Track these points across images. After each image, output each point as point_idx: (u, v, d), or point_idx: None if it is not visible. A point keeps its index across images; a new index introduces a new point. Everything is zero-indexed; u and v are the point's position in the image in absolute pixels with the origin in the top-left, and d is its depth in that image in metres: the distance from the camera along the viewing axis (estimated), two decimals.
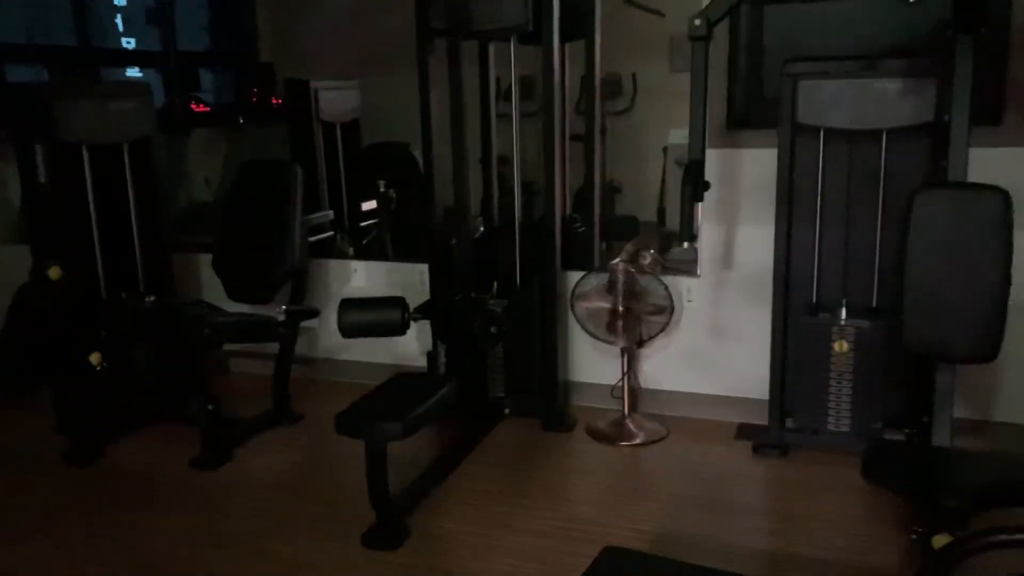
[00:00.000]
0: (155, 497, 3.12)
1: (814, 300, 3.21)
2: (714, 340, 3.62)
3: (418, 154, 3.99)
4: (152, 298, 3.51)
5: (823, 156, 3.12)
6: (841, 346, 3.16)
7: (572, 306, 3.59)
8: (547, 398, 3.64)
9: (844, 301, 3.15)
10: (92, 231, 3.50)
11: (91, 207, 3.49)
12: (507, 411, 3.71)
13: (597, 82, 4.14)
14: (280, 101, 5.99)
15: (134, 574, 2.64)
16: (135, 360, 3.56)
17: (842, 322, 3.14)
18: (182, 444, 3.41)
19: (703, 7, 2.74)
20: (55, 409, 3.43)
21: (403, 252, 4.61)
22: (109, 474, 3.31)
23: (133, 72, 6.87)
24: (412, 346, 3.99)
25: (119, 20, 7.60)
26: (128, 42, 7.73)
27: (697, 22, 2.68)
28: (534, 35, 3.37)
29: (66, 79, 5.33)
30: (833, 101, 3.05)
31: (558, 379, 3.65)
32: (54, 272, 3.12)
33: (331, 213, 4.73)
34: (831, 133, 3.09)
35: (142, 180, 3.67)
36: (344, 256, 4.57)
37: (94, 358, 3.16)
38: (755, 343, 3.40)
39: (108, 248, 3.56)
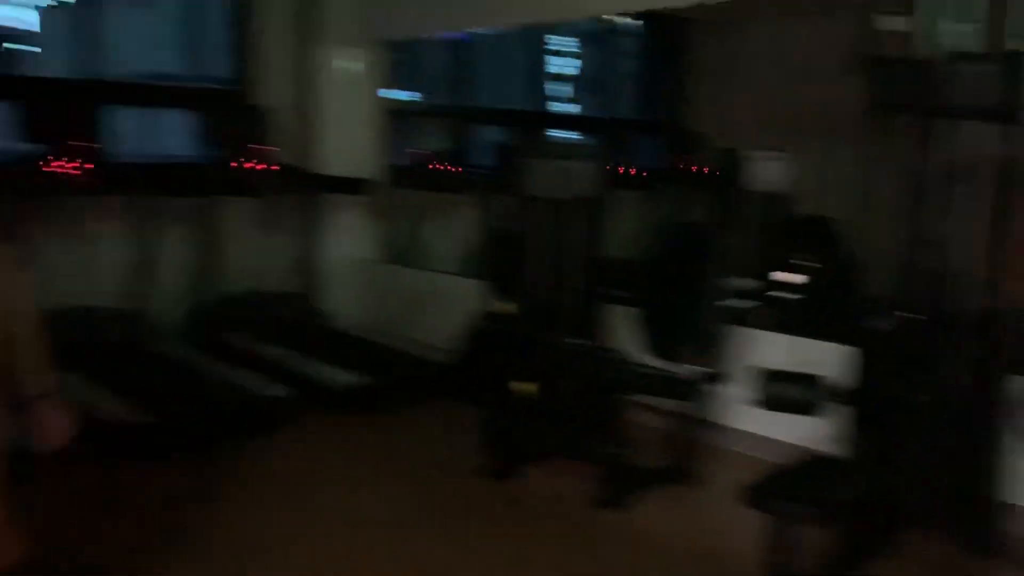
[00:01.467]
0: (545, 523, 3.36)
1: None
2: None
3: (843, 230, 3.83)
4: (579, 341, 3.82)
5: None
6: None
7: (1021, 417, 3.16)
8: (975, 516, 3.23)
9: None
10: (540, 275, 3.90)
11: (542, 254, 3.89)
12: (917, 517, 3.35)
13: None
14: (704, 168, 6.19)
15: None
16: (559, 395, 3.89)
17: None
18: (582, 480, 3.63)
19: None
20: (482, 425, 3.87)
21: (819, 329, 4.44)
22: (513, 493, 3.64)
23: (573, 135, 7.64)
24: (813, 426, 3.81)
25: (567, 88, 8.50)
26: (569, 108, 8.62)
27: None
28: (1007, 114, 3.07)
29: (529, 139, 6.06)
30: None
31: (992, 496, 3.22)
32: (507, 307, 3.55)
33: (751, 281, 4.75)
34: None
35: (587, 234, 4.02)
36: (758, 325, 4.54)
37: (529, 388, 3.50)
38: None
39: (549, 291, 3.94)
